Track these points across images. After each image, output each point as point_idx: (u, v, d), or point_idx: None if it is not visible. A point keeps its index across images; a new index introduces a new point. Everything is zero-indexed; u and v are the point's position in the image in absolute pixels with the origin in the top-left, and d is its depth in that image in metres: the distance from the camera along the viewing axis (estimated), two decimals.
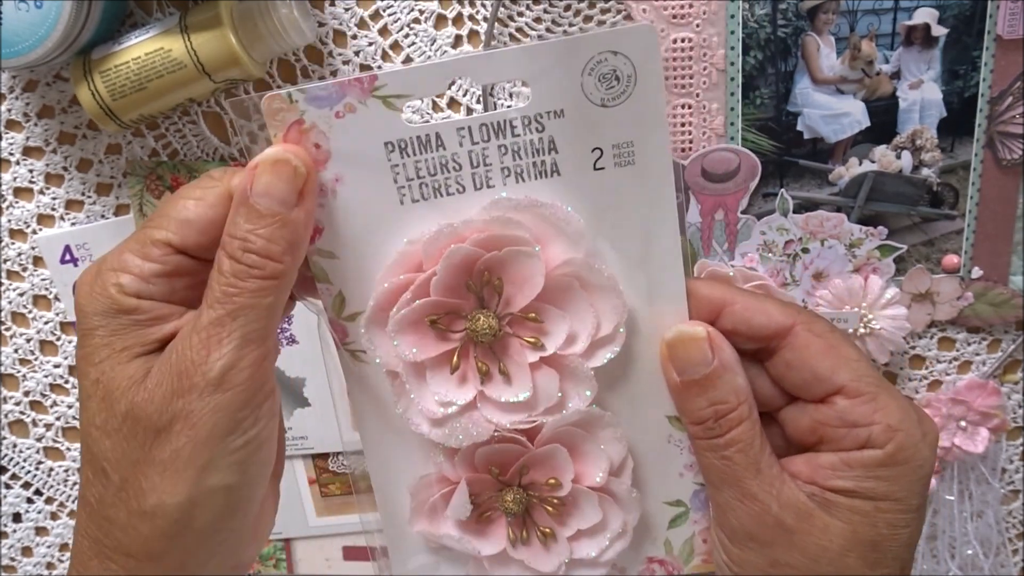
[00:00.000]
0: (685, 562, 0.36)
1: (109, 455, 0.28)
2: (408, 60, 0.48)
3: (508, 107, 0.48)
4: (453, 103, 0.48)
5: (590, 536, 0.34)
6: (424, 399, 0.32)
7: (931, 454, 0.30)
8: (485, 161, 0.31)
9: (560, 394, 0.32)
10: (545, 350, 0.32)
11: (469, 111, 0.48)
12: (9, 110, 0.49)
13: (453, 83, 0.48)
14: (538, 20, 0.47)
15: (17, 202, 0.51)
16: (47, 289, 0.52)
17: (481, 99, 0.48)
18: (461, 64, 0.31)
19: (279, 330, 0.50)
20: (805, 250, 0.50)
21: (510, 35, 0.47)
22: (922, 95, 0.47)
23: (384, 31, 0.47)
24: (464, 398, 0.32)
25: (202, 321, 0.27)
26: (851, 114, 0.48)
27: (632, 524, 0.34)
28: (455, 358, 0.32)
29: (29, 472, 0.56)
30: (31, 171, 0.50)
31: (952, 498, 0.54)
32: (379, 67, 0.48)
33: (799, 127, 0.48)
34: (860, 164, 0.49)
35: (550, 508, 0.34)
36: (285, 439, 0.39)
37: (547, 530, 0.34)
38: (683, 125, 0.47)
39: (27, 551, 0.58)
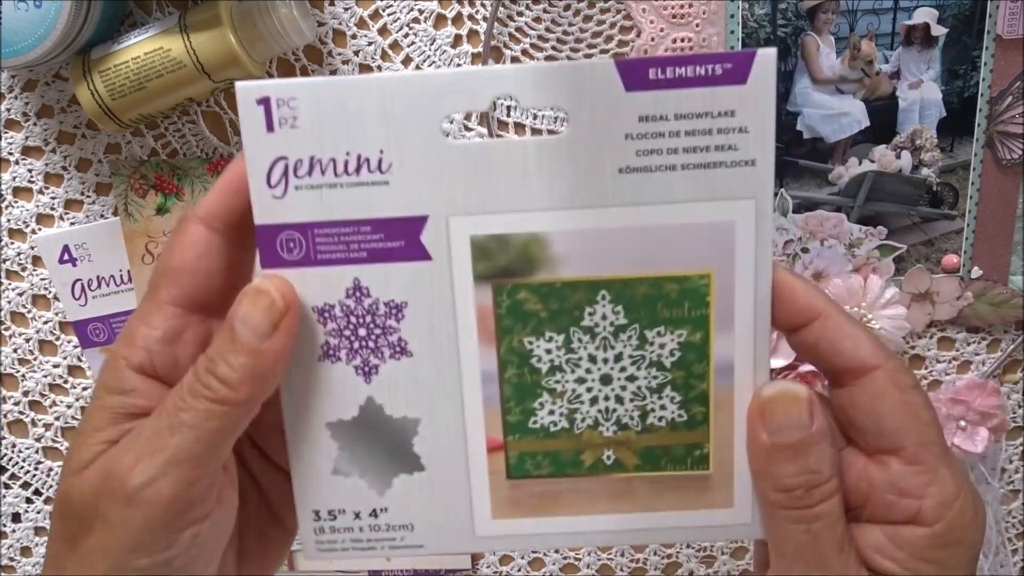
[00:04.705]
0: None
1: (52, 528, 0.28)
2: (408, 60, 0.48)
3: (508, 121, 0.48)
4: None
5: None
6: None
7: (981, 535, 0.28)
8: None
9: None
10: None
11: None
12: (9, 110, 0.49)
13: None
14: (538, 20, 0.47)
15: (16, 202, 0.51)
16: (46, 289, 0.52)
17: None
18: None
19: None
20: (805, 250, 0.50)
21: (509, 35, 0.47)
22: (922, 95, 0.47)
23: (384, 31, 0.47)
24: None
25: (145, 428, 0.26)
26: (851, 114, 0.48)
27: None
28: None
29: (28, 472, 0.56)
30: (30, 171, 0.50)
31: None
32: (378, 67, 0.48)
33: (799, 127, 0.48)
34: (860, 164, 0.49)
35: None
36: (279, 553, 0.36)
37: None
38: None
39: (27, 551, 0.58)
